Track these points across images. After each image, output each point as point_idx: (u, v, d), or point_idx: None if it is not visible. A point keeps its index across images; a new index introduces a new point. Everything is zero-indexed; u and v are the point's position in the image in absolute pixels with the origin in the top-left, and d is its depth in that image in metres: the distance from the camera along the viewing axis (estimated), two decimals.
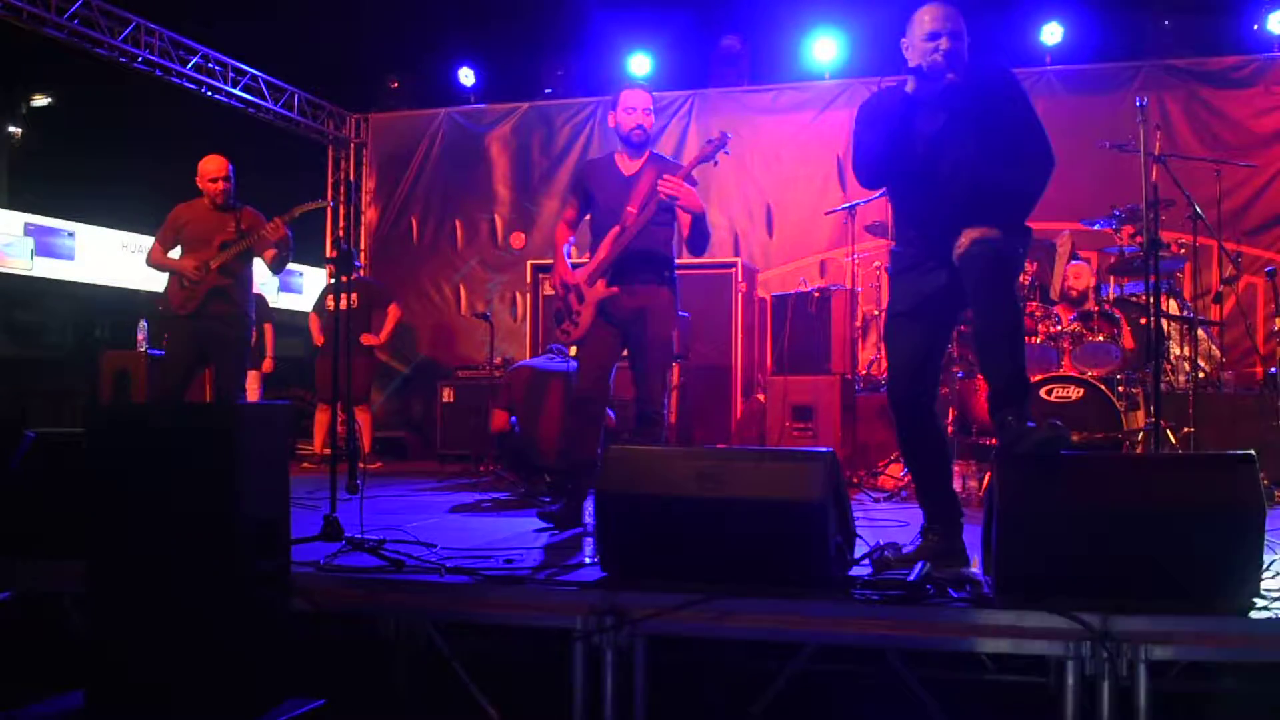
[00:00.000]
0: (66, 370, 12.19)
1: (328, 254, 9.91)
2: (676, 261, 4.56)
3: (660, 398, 4.43)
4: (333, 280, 8.25)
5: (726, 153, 4.30)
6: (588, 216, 4.63)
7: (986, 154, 3.33)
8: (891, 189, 3.59)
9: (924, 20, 3.40)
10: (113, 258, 12.97)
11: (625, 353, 4.53)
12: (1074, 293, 6.55)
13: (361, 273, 9.85)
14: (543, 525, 4.36)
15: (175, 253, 5.71)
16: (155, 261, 5.73)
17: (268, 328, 8.48)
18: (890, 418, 3.65)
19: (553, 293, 4.92)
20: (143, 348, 8.28)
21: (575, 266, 4.52)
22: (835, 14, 9.06)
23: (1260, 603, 2.76)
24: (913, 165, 3.40)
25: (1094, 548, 2.79)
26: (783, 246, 9.06)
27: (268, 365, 8.49)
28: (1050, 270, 6.96)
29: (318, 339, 8.24)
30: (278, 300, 12.67)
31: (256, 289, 6.26)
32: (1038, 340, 6.09)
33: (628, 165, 4.49)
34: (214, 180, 5.62)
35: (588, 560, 3.41)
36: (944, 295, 3.41)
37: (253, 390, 8.35)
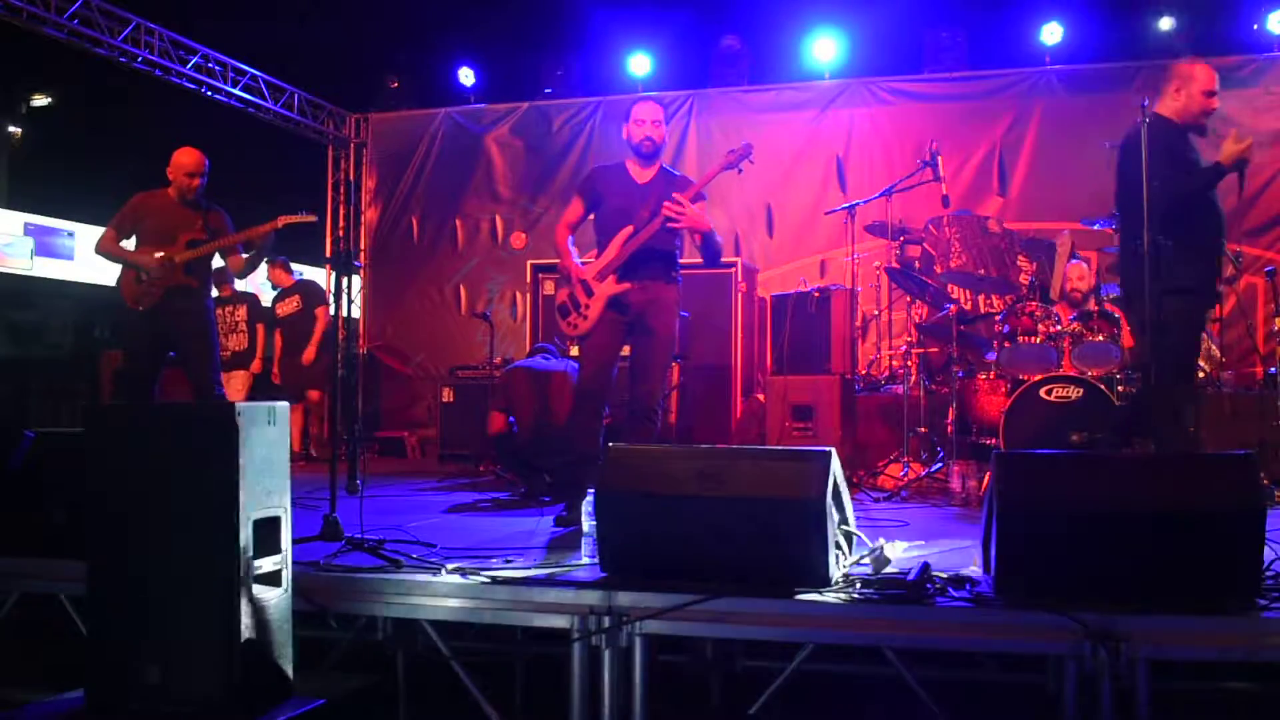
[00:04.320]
0: (66, 370, 12.17)
1: (327, 254, 9.92)
2: (681, 262, 4.64)
3: (659, 395, 4.47)
4: (296, 282, 8.25)
5: (750, 161, 4.41)
6: (590, 218, 4.67)
7: None
8: None
9: None
10: None
11: (626, 350, 4.57)
12: (1078, 294, 6.55)
13: (361, 274, 9.86)
14: (544, 526, 4.35)
15: (129, 243, 5.43)
16: (107, 250, 5.40)
17: (260, 329, 8.45)
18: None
19: (553, 290, 4.95)
20: None
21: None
22: (835, 14, 9.06)
23: (1261, 602, 2.76)
24: None
25: (1094, 547, 2.79)
26: (783, 246, 9.06)
27: (257, 366, 8.44)
28: (1050, 270, 6.96)
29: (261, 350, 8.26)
30: (272, 301, 12.65)
31: (255, 289, 6.22)
32: (1037, 340, 6.09)
33: (640, 173, 4.56)
34: (191, 175, 5.37)
35: (587, 560, 3.40)
36: None
37: (240, 391, 8.28)
